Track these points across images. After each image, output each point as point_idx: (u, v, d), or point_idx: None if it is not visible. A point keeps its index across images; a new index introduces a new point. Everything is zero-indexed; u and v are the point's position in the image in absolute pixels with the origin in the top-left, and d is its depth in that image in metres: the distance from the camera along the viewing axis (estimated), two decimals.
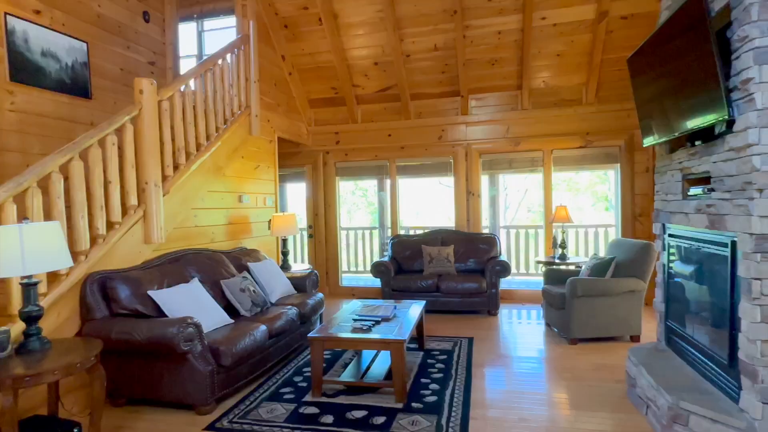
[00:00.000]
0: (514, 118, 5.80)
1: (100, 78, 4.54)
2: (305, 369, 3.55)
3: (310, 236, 6.67)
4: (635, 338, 4.05)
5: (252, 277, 4.15)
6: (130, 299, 3.00)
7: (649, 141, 2.93)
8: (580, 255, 6.34)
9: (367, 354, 3.66)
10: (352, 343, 2.99)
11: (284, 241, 5.23)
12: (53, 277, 2.86)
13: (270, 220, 5.32)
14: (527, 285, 6.37)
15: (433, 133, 6.07)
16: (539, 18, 5.04)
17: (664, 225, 2.98)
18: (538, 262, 5.51)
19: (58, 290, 2.79)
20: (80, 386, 2.94)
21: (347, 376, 3.17)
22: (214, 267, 3.84)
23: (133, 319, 2.90)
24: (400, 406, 2.83)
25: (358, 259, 7.31)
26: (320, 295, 4.38)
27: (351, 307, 3.78)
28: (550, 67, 5.50)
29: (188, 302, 3.19)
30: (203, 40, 6.26)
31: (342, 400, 2.94)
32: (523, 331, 4.52)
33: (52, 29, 4.07)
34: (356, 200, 11.53)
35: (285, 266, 5.07)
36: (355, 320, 3.33)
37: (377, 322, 3.29)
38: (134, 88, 3.43)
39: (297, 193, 7.26)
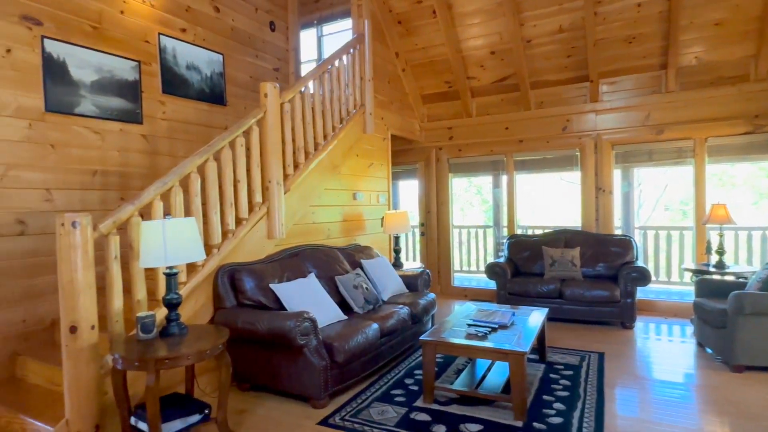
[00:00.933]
0: (655, 103, 5.03)
1: (232, 86, 4.96)
2: (416, 371, 3.45)
3: (422, 234, 6.59)
4: None
5: (365, 274, 4.18)
6: (254, 291, 3.19)
7: None
8: (741, 263, 5.29)
9: (482, 361, 3.43)
10: (467, 351, 2.80)
11: (396, 238, 5.21)
12: (191, 267, 3.15)
13: (382, 217, 5.34)
14: (669, 295, 5.52)
15: (557, 123, 5.55)
16: None
17: None
18: (686, 270, 4.71)
19: (195, 280, 3.06)
20: (213, 368, 3.20)
21: (461, 384, 2.99)
22: (330, 263, 3.93)
23: (256, 310, 3.07)
24: (519, 424, 2.57)
25: (471, 258, 7.03)
26: (432, 295, 4.25)
27: (464, 311, 3.58)
28: (706, 40, 4.64)
29: (305, 296, 3.30)
30: (322, 44, 6.53)
31: (455, 409, 2.78)
32: (666, 350, 3.88)
33: (195, 44, 4.54)
34: (470, 197, 11.19)
35: (397, 264, 5.05)
36: (469, 325, 3.13)
37: (494, 329, 3.05)
38: (260, 92, 3.65)
39: (409, 190, 7.23)
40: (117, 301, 2.59)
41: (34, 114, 3.27)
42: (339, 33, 6.40)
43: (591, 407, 2.78)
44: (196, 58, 4.55)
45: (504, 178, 6.06)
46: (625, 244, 4.94)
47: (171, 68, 4.29)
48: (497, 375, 3.14)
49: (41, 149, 3.30)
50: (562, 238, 5.25)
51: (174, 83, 4.31)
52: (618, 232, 5.57)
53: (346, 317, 3.46)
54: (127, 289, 3.06)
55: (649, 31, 4.75)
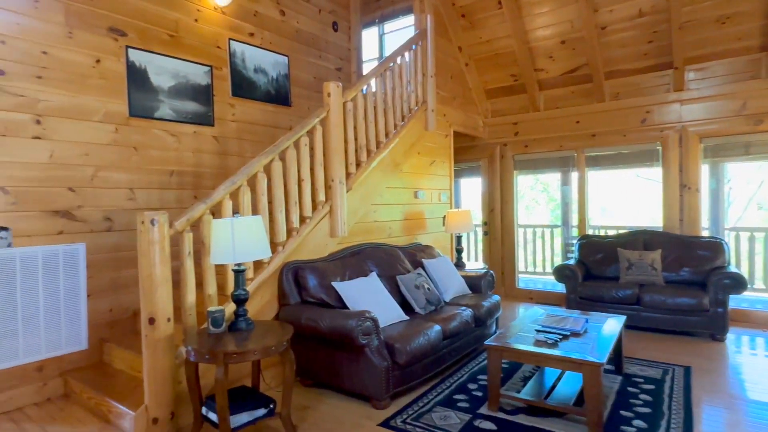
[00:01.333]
0: (754, 90, 4.49)
1: (297, 87, 5.08)
2: (480, 376, 3.33)
3: (485, 233, 6.39)
4: None
5: (426, 273, 4.10)
6: (317, 288, 3.23)
7: None
8: None
9: (551, 369, 3.24)
10: (536, 359, 2.64)
11: (458, 238, 5.08)
12: (258, 264, 3.25)
13: (444, 216, 5.24)
14: (766, 305, 4.92)
15: (634, 115, 5.13)
16: None
17: None
18: None
19: (261, 276, 3.15)
20: (278, 363, 3.28)
21: (528, 393, 2.83)
22: (391, 262, 3.90)
23: (319, 308, 3.10)
24: None
25: (537, 259, 6.72)
26: (496, 297, 4.09)
27: (531, 315, 3.40)
28: None
29: (367, 295, 3.28)
30: (384, 42, 6.51)
31: (522, 419, 2.63)
32: (764, 367, 3.45)
33: (262, 48, 4.69)
34: (535, 195, 10.72)
35: (459, 264, 4.92)
36: (538, 331, 2.96)
37: (565, 337, 2.86)
38: (323, 92, 3.69)
39: (471, 188, 7.05)
40: (190, 295, 2.71)
41: (119, 119, 3.53)
42: (400, 30, 6.35)
43: (677, 427, 2.52)
44: (263, 61, 4.69)
45: (573, 175, 5.72)
46: (715, 246, 4.47)
47: (240, 72, 4.46)
48: (568, 385, 2.94)
49: (125, 151, 3.56)
50: (641, 239, 4.85)
51: (242, 86, 4.48)
52: (705, 233, 5.06)
53: (407, 317, 3.41)
54: (200, 283, 3.21)
55: (746, 9, 4.25)
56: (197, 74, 4.06)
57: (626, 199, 9.24)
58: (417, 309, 3.62)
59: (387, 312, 3.28)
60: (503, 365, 3.48)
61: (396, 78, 4.47)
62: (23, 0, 3.05)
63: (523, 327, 3.11)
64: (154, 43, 3.76)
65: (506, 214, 6.16)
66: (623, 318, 3.32)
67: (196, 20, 4.08)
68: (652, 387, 3.06)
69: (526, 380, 3.18)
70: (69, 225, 3.23)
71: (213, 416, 2.34)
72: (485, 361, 3.62)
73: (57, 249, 3.16)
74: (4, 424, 2.75)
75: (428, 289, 3.78)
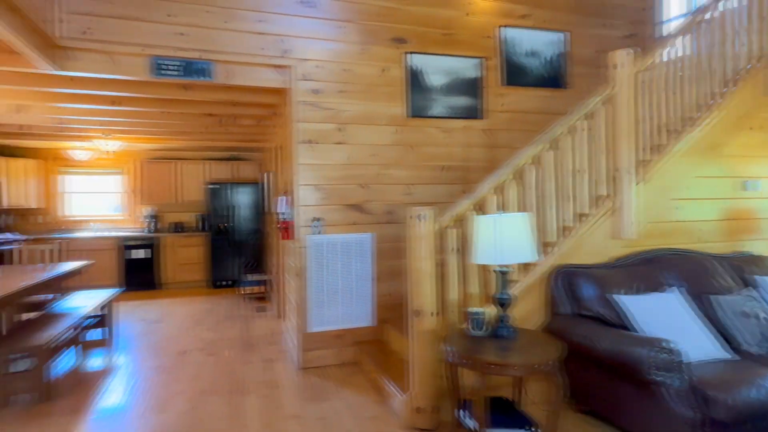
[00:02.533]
0: None
1: (575, 65, 4.48)
2: None
3: None
4: None
5: (762, 296, 2.94)
6: (593, 300, 2.71)
7: None
8: None
9: None
10: None
11: None
12: (525, 264, 2.97)
13: None
14: None
15: None
16: None
17: None
18: None
19: (528, 279, 2.86)
20: (543, 378, 2.94)
21: None
22: (701, 276, 2.96)
23: (596, 324, 2.60)
24: None
25: None
26: None
27: None
28: None
29: (662, 317, 2.56)
30: None
31: None
32: None
33: (536, 29, 4.32)
34: None
35: None
36: None
37: None
38: (607, 64, 3.07)
39: None
40: (453, 292, 2.68)
41: (399, 120, 3.85)
42: None
43: None
44: (536, 43, 4.32)
45: None
46: None
47: (510, 59, 4.23)
48: None
49: (403, 150, 3.86)
50: None
51: (513, 73, 4.23)
52: None
53: (728, 355, 2.50)
54: (463, 279, 3.17)
55: None
56: (467, 68, 4.05)
57: None
58: (745, 345, 2.61)
59: (693, 343, 2.47)
60: None
61: (716, 31, 3.35)
62: (333, 29, 3.65)
63: None
64: (429, 45, 3.94)
65: None
66: None
67: (467, 14, 4.08)
68: None
69: None
70: (360, 217, 3.73)
71: (469, 422, 2.24)
72: None
73: (352, 237, 3.70)
74: (313, 377, 3.40)
75: (765, 318, 2.68)
